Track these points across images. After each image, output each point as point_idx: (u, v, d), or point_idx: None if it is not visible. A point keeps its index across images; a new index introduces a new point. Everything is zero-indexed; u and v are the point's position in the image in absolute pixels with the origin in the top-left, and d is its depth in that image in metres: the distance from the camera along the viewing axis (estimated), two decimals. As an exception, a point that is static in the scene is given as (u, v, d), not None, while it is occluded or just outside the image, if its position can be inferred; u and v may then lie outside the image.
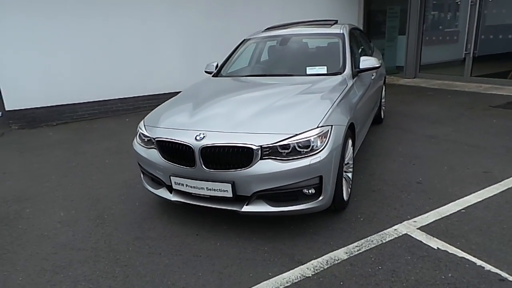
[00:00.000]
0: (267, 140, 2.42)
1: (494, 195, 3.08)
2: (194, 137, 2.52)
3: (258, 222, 2.80)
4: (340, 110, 2.80)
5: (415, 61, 9.01)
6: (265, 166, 2.41)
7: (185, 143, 2.54)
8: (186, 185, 2.61)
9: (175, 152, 2.61)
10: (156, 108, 3.23)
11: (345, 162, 2.98)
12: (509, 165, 3.64)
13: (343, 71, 3.42)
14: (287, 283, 2.16)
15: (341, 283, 2.14)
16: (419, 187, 3.30)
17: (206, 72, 4.18)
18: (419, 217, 2.80)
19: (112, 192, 3.56)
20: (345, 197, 2.86)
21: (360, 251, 2.42)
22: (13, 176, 4.15)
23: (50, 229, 2.91)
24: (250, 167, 2.42)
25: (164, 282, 2.22)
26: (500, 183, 3.30)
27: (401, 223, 2.73)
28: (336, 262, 2.33)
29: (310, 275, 2.21)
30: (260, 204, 2.51)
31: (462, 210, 2.86)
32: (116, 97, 7.43)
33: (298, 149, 2.43)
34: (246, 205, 2.52)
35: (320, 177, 2.46)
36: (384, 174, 3.62)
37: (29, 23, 6.34)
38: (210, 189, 2.53)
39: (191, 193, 2.62)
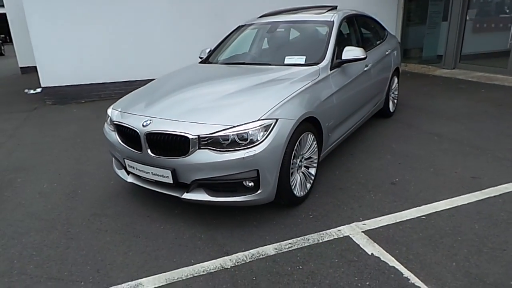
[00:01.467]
0: (205, 130, 2.43)
1: (468, 203, 2.83)
2: (142, 123, 2.61)
3: (210, 210, 2.85)
4: (296, 103, 2.71)
5: (456, 50, 8.28)
6: (202, 156, 2.43)
7: (133, 128, 2.64)
8: (136, 168, 2.72)
9: (127, 136, 2.73)
10: (129, 93, 3.36)
11: (306, 157, 2.91)
12: (505, 172, 3.30)
13: (321, 62, 3.27)
14: (203, 272, 2.20)
15: (254, 278, 2.13)
16: (390, 188, 3.12)
17: (199, 57, 4.23)
18: (372, 220, 2.66)
19: (97, 169, 3.80)
20: (296, 193, 2.79)
21: (291, 249, 2.38)
22: (24, 147, 4.58)
23: (28, 199, 3.20)
24: (188, 155, 2.45)
25: (95, 257, 2.37)
26: (483, 190, 3.01)
27: (349, 224, 2.62)
28: (261, 257, 2.32)
29: (229, 267, 2.23)
30: (200, 192, 2.55)
31: (422, 217, 2.67)
32: (142, 78, 7.76)
33: (238, 141, 2.42)
34: (187, 192, 2.57)
35: (258, 171, 2.43)
36: (361, 171, 3.46)
37: (63, 6, 6.80)
38: (154, 174, 2.61)
39: (141, 176, 2.73)
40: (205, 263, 2.28)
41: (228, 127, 2.43)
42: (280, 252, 2.35)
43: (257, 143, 2.42)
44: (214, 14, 7.86)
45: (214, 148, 2.42)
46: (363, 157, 3.79)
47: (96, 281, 2.15)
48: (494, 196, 2.91)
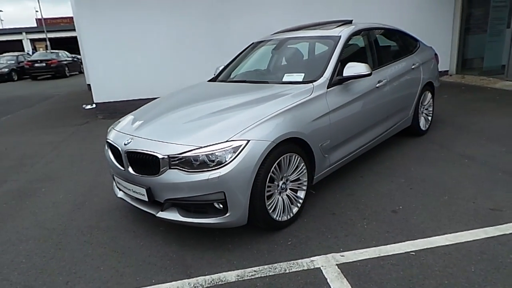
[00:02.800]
0: (175, 150, 2.45)
1: (474, 240, 2.46)
2: (124, 141, 2.71)
3: (192, 229, 2.84)
4: (275, 123, 2.61)
5: (521, 60, 7.37)
6: (172, 176, 2.44)
7: (116, 146, 2.76)
8: (121, 185, 2.83)
9: (115, 153, 2.86)
10: (133, 112, 3.52)
11: (292, 179, 2.78)
12: (535, 205, 2.81)
13: (318, 79, 3.12)
14: (158, 293, 2.19)
15: (203, 305, 2.07)
16: (388, 217, 2.83)
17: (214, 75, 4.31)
18: (353, 251, 2.44)
19: (111, 182, 4.02)
20: (277, 217, 2.67)
21: (253, 277, 2.26)
22: (61, 159, 5.03)
23: (42, 208, 3.50)
24: (160, 175, 2.48)
25: (70, 269, 2.49)
26: (498, 226, 2.59)
27: (326, 254, 2.43)
28: (220, 283, 2.24)
29: (184, 291, 2.20)
30: (173, 212, 2.56)
31: (412, 253, 2.38)
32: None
33: (208, 162, 2.39)
34: (161, 211, 2.60)
35: (224, 193, 2.38)
36: (364, 196, 3.20)
37: (112, 32, 7.47)
38: (134, 191, 2.69)
39: (126, 192, 2.83)
40: (164, 285, 2.26)
41: (195, 147, 2.41)
42: (241, 279, 2.25)
43: (223, 164, 2.37)
44: (256, 33, 7.98)
45: (183, 169, 2.42)
46: (373, 179, 3.51)
47: (60, 293, 2.26)
48: (510, 234, 2.49)
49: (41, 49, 30.47)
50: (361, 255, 2.39)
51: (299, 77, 3.28)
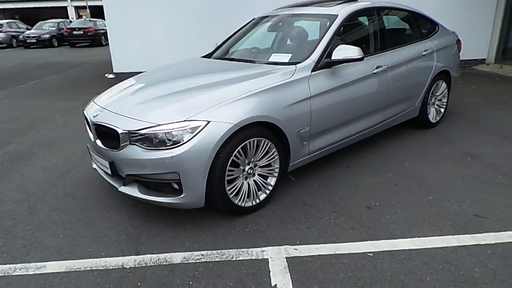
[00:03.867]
0: (134, 126, 2.40)
1: (442, 247, 2.26)
2: (94, 114, 2.71)
3: (159, 206, 2.83)
4: (242, 105, 2.49)
5: None
6: (130, 151, 2.41)
7: (87, 117, 2.76)
8: (93, 156, 2.85)
9: (88, 125, 2.87)
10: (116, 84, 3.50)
11: (261, 165, 2.68)
12: (526, 215, 2.54)
13: (303, 61, 2.93)
14: (101, 267, 2.21)
15: (139, 284, 2.06)
16: (360, 213, 2.67)
17: (213, 51, 4.19)
18: (309, 246, 2.32)
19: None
20: (240, 202, 2.59)
21: (198, 261, 2.22)
22: (66, 126, 5.18)
23: (31, 172, 3.62)
24: (121, 149, 2.46)
25: (33, 235, 2.56)
26: (476, 235, 2.37)
27: (279, 246, 2.33)
28: (164, 263, 2.22)
29: (127, 267, 2.19)
30: (133, 187, 2.55)
31: (369, 254, 2.23)
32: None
33: (166, 140, 2.33)
34: (123, 185, 2.59)
35: (178, 173, 2.32)
36: (343, 188, 3.03)
37: (133, 5, 7.49)
38: (101, 164, 2.70)
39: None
40: (111, 259, 2.28)
41: (154, 125, 2.35)
42: (185, 262, 2.22)
43: (179, 144, 2.30)
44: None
45: (141, 145, 2.38)
46: (359, 171, 3.32)
47: (14, 256, 2.33)
48: (485, 245, 2.27)
49: (84, 17, 31.40)
50: (315, 251, 2.27)
51: (286, 57, 3.10)
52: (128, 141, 2.42)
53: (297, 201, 2.86)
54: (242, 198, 2.61)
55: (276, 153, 2.73)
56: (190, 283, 2.05)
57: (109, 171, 2.60)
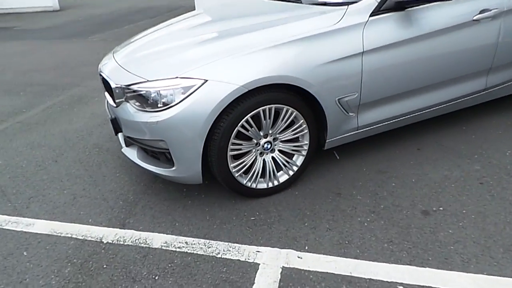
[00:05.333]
0: (126, 80, 2.02)
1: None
2: (103, 64, 2.40)
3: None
4: (255, 60, 1.89)
5: None
6: (124, 110, 2.06)
7: (99, 67, 2.48)
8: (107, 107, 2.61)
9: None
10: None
11: (283, 139, 2.11)
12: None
13: (357, 1, 2.11)
14: (81, 236, 1.99)
15: (104, 266, 1.78)
16: (408, 218, 1.93)
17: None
18: (319, 256, 1.75)
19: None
20: (249, 182, 2.09)
21: (178, 249, 1.84)
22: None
23: (80, 117, 3.60)
24: (117, 106, 2.13)
25: (44, 186, 2.49)
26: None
27: (281, 248, 1.81)
28: (141, 245, 1.90)
29: (104, 242, 1.94)
30: (133, 150, 2.23)
31: (400, 286, 1.55)
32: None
33: (158, 100, 1.91)
34: (126, 146, 2.30)
35: (166, 142, 1.90)
36: (400, 178, 2.27)
37: None
38: (110, 118, 2.44)
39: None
40: (94, 228, 2.05)
41: (143, 80, 1.93)
42: (164, 248, 1.86)
43: (168, 107, 1.86)
44: None
45: (135, 105, 2.00)
46: (432, 157, 2.46)
47: (16, 208, 2.27)
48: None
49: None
50: (324, 265, 1.69)
51: (339, -4, 2.30)
52: (124, 97, 2.07)
53: (330, 189, 2.23)
54: (253, 177, 2.10)
55: (305, 126, 2.10)
56: (156, 278, 1.69)
57: (112, 128, 2.32)
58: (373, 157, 2.51)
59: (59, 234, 2.01)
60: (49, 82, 4.72)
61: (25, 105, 3.99)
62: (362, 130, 2.32)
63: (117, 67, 2.18)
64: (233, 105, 1.87)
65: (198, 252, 1.82)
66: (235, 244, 1.85)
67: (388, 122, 2.37)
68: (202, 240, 1.89)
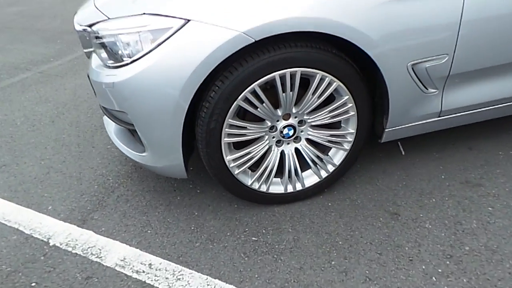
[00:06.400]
0: (89, 19, 1.38)
1: None
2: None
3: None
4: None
5: None
6: (92, 65, 1.45)
7: None
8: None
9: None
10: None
11: (314, 123, 1.37)
12: None
13: None
14: (29, 230, 1.49)
15: (33, 284, 1.26)
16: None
17: None
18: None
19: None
20: (254, 183, 1.40)
21: (134, 275, 1.26)
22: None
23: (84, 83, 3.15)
24: (90, 58, 1.55)
25: (23, 153, 2.05)
26: None
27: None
28: (90, 257, 1.34)
29: (50, 245, 1.42)
30: (112, 122, 1.65)
31: None
32: None
33: (123, 49, 1.27)
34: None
35: (128, 115, 1.27)
36: (492, 188, 1.40)
37: None
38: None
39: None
40: (49, 220, 1.54)
41: (103, 19, 1.28)
42: (118, 270, 1.29)
43: (130, 61, 1.20)
44: None
45: (100, 56, 1.37)
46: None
47: None
48: None
49: None
50: None
51: None
52: (93, 45, 1.45)
53: (383, 205, 1.45)
54: (264, 176, 1.40)
55: (351, 105, 1.32)
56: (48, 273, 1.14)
57: (94, 89, 1.75)
58: (453, 157, 1.65)
59: (6, 222, 1.55)
60: (87, 31, 4.35)
61: (56, 54, 3.65)
62: (445, 117, 1.46)
63: (93, 9, 1.55)
64: (230, 64, 1.16)
65: (159, 287, 1.21)
66: (216, 282, 1.21)
67: (482, 109, 1.48)
68: (173, 266, 1.28)
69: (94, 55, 1.43)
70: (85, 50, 1.52)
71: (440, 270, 1.17)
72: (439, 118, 1.45)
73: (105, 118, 1.67)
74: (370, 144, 1.77)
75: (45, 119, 2.40)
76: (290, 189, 1.45)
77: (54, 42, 4.05)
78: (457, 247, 1.25)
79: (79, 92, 2.75)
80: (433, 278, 1.15)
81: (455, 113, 1.46)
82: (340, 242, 1.31)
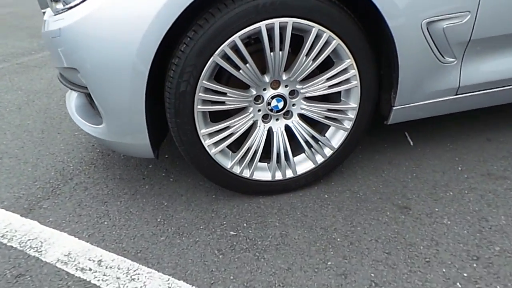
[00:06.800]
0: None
1: None
2: None
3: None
4: None
5: None
6: (47, 16, 1.22)
7: None
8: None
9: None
10: None
11: (307, 94, 1.14)
12: None
13: None
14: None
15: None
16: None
17: None
18: None
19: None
20: (234, 166, 1.16)
21: (76, 274, 0.99)
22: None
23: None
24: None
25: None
26: None
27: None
28: (30, 250, 1.08)
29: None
30: (74, 97, 1.41)
31: None
32: None
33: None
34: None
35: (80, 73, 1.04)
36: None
37: None
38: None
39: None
40: (6, 212, 1.29)
41: (55, -41, 1.06)
42: (59, 266, 1.02)
43: (78, 2, 0.98)
44: None
45: (52, 2, 1.15)
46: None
47: None
48: None
49: None
50: None
51: None
52: (50, -1, 1.23)
53: (390, 197, 1.20)
54: (246, 158, 1.16)
55: (353, 72, 1.09)
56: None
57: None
58: (469, 148, 1.42)
59: None
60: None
61: (39, 48, 3.46)
62: (463, 95, 1.23)
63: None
64: (205, 11, 0.93)
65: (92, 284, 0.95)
66: (180, 284, 0.95)
67: (505, 87, 1.25)
68: (128, 263, 1.02)
69: (48, 10, 1.21)
70: (43, 10, 1.30)
71: (465, 274, 0.92)
72: (456, 96, 1.22)
73: (68, 93, 1.44)
74: (372, 133, 1.55)
75: (12, 106, 2.17)
76: (279, 176, 1.21)
77: (39, 37, 3.86)
78: (485, 247, 1.00)
79: (56, 81, 2.53)
80: (458, 284, 0.90)
81: (475, 91, 1.23)
82: (338, 239, 1.05)
